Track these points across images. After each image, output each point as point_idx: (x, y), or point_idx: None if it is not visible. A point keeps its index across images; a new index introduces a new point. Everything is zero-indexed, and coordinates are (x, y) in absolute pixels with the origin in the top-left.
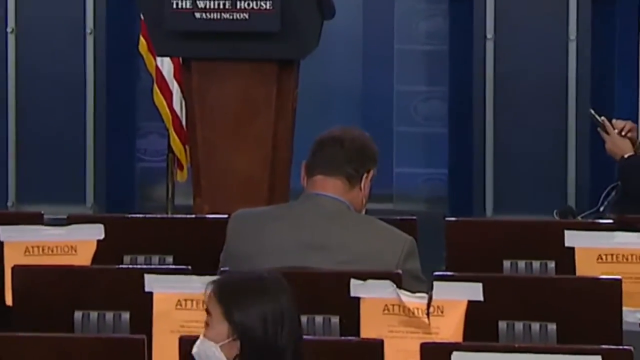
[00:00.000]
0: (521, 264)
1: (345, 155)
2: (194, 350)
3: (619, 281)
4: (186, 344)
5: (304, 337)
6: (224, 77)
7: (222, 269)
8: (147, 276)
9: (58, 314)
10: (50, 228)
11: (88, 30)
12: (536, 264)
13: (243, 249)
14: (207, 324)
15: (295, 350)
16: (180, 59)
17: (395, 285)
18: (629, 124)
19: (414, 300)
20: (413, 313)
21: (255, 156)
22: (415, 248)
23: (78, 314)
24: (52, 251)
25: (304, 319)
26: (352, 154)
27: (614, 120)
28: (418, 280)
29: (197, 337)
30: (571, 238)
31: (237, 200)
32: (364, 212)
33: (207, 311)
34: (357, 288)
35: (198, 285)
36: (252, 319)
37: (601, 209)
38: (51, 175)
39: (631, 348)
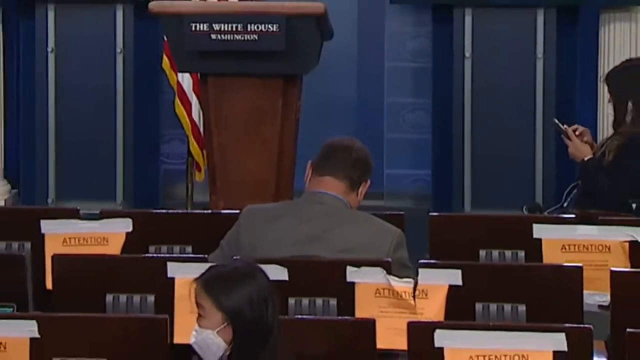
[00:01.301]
0: (495, 253)
1: (353, 163)
2: (192, 340)
3: (580, 268)
4: None
5: (307, 317)
6: (236, 90)
7: (233, 256)
8: (169, 264)
9: (92, 297)
10: (85, 222)
11: (118, 50)
12: (508, 253)
13: (252, 240)
14: (200, 316)
15: (278, 324)
16: (199, 74)
17: (385, 272)
18: (581, 128)
19: (402, 285)
20: (401, 296)
21: (263, 159)
22: (404, 239)
23: (109, 297)
24: (87, 242)
25: (305, 301)
26: (358, 163)
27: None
28: (405, 268)
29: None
30: (539, 230)
31: (248, 197)
32: None
33: (198, 304)
34: (352, 274)
35: None
36: (240, 302)
37: (565, 204)
38: (86, 175)
39: (591, 326)
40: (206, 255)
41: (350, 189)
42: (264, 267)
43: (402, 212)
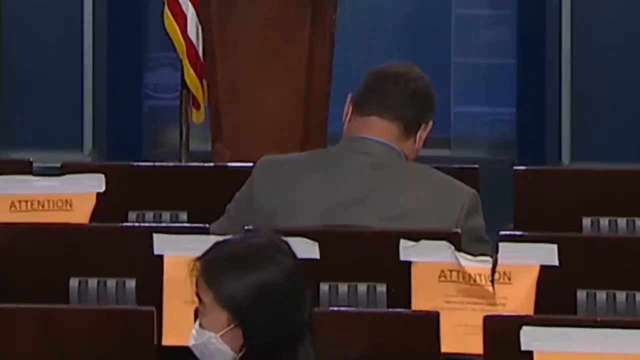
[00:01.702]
0: (604, 221)
1: (408, 98)
2: (191, 342)
3: None
4: None
5: (345, 310)
6: None
7: (245, 226)
8: (156, 236)
9: (50, 282)
10: (41, 179)
11: None
12: (622, 222)
13: (270, 203)
14: (200, 312)
15: (311, 326)
16: None
17: (453, 247)
18: None
19: (476, 265)
20: (475, 280)
21: (287, 92)
22: (479, 202)
23: (74, 281)
24: (43, 206)
25: (343, 287)
26: (416, 98)
27: None
28: (481, 241)
29: None
30: None
31: (265, 145)
32: None
33: (198, 296)
34: (407, 250)
35: None
36: (253, 299)
37: None
38: (41, 115)
39: None
40: (207, 225)
41: (405, 133)
42: (287, 240)
43: (476, 166)
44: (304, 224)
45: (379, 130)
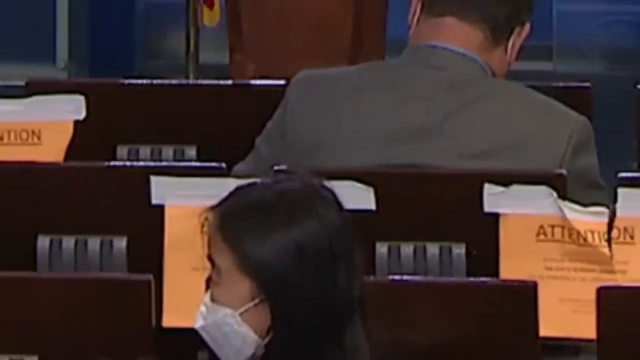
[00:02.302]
0: None
1: None
2: (199, 322)
3: None
4: None
5: (412, 279)
6: None
7: (275, 166)
8: (154, 179)
9: (10, 240)
10: (2, 102)
11: None
12: None
13: (309, 136)
14: (213, 281)
15: (361, 301)
16: None
17: (556, 194)
18: None
19: (588, 219)
20: (585, 239)
21: None
22: (591, 134)
23: (43, 240)
24: (2, 139)
25: (407, 248)
26: None
27: None
28: (594, 187)
29: None
30: None
31: (300, 56)
32: None
33: (211, 260)
34: (494, 198)
35: None
36: (285, 264)
37: None
38: (2, 18)
39: None
40: (222, 164)
41: (493, 40)
42: (331, 184)
43: (587, 84)
44: (355, 162)
45: (457, 36)
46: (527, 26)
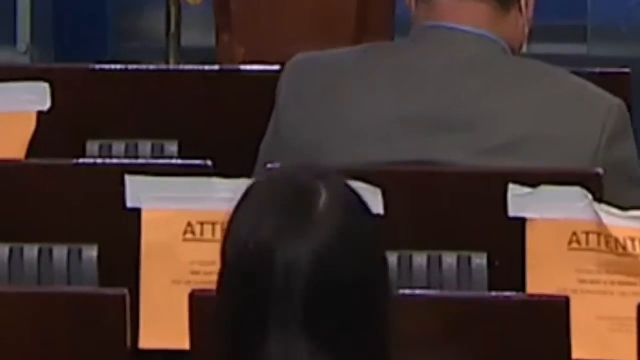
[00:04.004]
0: None
1: None
2: None
3: None
4: (202, 303)
5: (427, 293)
6: None
7: (268, 164)
8: (129, 179)
9: None
10: None
11: None
12: None
13: (305, 129)
14: None
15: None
16: None
17: (591, 196)
18: None
19: (627, 224)
20: (625, 248)
21: None
22: (628, 118)
23: (2, 249)
24: None
25: (420, 258)
26: None
27: None
28: (634, 184)
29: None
30: None
31: (298, 38)
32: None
33: None
34: (520, 201)
35: (225, 196)
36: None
37: None
38: None
39: None
40: (208, 162)
41: (502, 10)
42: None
43: (626, 70)
44: (357, 159)
45: (464, 14)
46: None
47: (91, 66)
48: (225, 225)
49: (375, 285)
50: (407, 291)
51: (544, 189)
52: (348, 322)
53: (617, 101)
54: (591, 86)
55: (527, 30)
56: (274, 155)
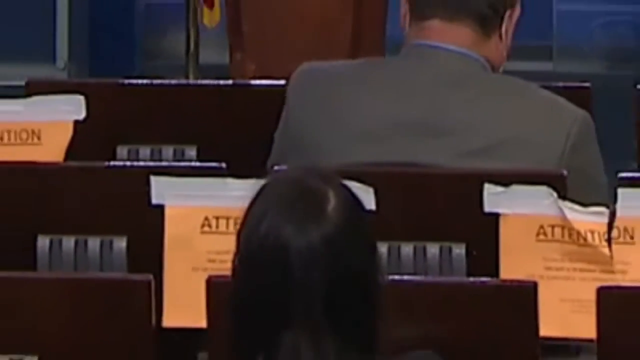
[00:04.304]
0: None
1: None
2: None
3: None
4: (218, 288)
5: (412, 279)
6: None
7: (275, 166)
8: (154, 179)
9: (10, 240)
10: (0, 101)
11: None
12: None
13: (309, 131)
14: None
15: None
16: None
17: (556, 194)
18: None
19: (588, 219)
20: (585, 239)
21: None
22: (591, 128)
23: (43, 241)
24: (2, 139)
25: (408, 249)
26: None
27: None
28: (594, 185)
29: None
30: None
31: (301, 56)
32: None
33: None
34: (494, 198)
35: (238, 194)
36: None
37: None
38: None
39: None
40: (223, 165)
41: (484, 34)
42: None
43: (587, 84)
44: (351, 160)
45: (449, 36)
46: (518, 7)
47: (121, 81)
48: (240, 220)
49: (374, 273)
50: (396, 277)
51: (515, 188)
52: (357, 307)
53: (581, 113)
54: (560, 99)
55: (505, 54)
56: (282, 149)
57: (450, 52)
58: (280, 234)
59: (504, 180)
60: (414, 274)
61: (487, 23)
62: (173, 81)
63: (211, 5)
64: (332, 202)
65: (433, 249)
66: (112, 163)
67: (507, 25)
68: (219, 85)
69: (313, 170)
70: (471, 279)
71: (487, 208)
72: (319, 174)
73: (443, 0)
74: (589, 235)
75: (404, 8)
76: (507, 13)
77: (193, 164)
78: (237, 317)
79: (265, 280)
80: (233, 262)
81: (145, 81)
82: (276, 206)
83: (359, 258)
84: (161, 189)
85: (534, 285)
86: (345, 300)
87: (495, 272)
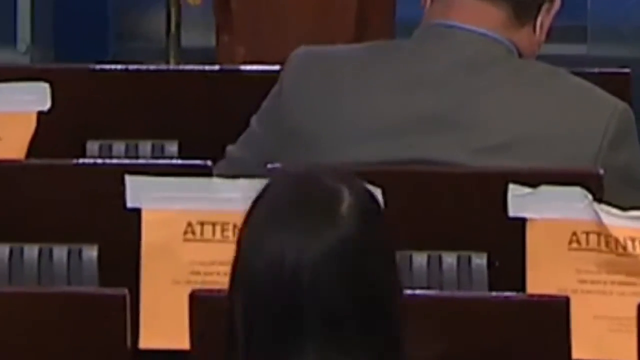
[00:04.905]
0: None
1: None
2: None
3: None
4: (202, 304)
5: (421, 293)
6: None
7: (269, 165)
8: (130, 179)
9: None
10: None
11: None
12: None
13: (308, 124)
14: None
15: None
16: None
17: (591, 196)
18: None
19: (627, 225)
20: (624, 248)
21: None
22: (632, 123)
23: (2, 250)
24: None
25: (421, 259)
26: None
27: None
28: (635, 186)
29: (221, 291)
30: None
31: (298, 37)
32: None
33: None
34: (519, 201)
35: (227, 196)
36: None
37: None
38: None
39: None
40: (208, 162)
41: (517, 19)
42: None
43: (626, 70)
44: (357, 157)
45: (478, 15)
46: (557, 1)
47: (91, 66)
48: (239, 228)
49: (393, 289)
50: (408, 291)
51: (544, 189)
52: (372, 324)
53: (621, 105)
54: (596, 88)
55: (536, 49)
56: (272, 142)
57: (471, 33)
58: (287, 245)
59: (531, 180)
60: (428, 287)
61: (523, 10)
62: (151, 66)
63: None
64: (346, 209)
65: (449, 259)
66: (81, 160)
67: (544, 18)
68: (203, 71)
69: (329, 169)
70: (494, 293)
71: (512, 212)
72: (337, 175)
73: None
74: (629, 244)
75: None
76: (546, 5)
77: (174, 161)
78: (236, 341)
79: (274, 298)
80: (232, 274)
81: (119, 66)
82: (280, 213)
83: (379, 269)
84: (138, 190)
85: (566, 301)
86: (365, 316)
87: (521, 285)
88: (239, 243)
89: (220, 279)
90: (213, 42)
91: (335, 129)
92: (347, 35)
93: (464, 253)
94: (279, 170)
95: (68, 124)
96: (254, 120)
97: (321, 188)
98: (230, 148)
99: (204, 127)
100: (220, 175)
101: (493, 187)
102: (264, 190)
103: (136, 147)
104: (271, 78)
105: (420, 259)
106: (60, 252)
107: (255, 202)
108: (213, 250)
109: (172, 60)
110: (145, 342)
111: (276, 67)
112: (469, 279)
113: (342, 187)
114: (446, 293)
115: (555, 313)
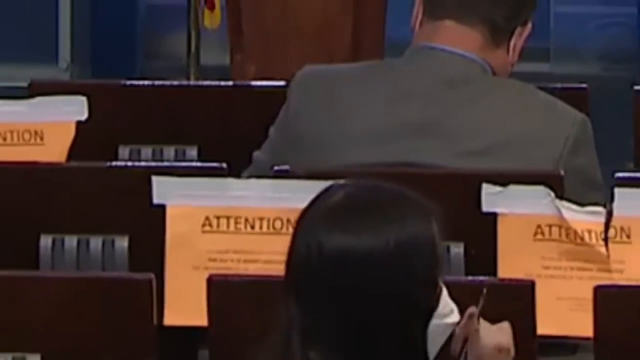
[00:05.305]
0: None
1: None
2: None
3: None
4: (218, 287)
5: None
6: None
7: (277, 166)
8: (156, 179)
9: (13, 240)
10: (1, 102)
11: None
12: None
13: (311, 132)
14: None
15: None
16: None
17: (554, 194)
18: None
19: (584, 218)
20: (582, 238)
21: None
22: (589, 132)
23: (45, 240)
24: (5, 139)
25: None
26: None
27: None
28: (591, 186)
29: (235, 276)
30: None
31: (301, 57)
32: None
33: None
34: (492, 198)
35: (238, 194)
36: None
37: None
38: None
39: None
40: (223, 165)
41: (493, 42)
42: (323, 184)
43: (583, 85)
44: (352, 160)
45: (457, 38)
46: (529, 26)
47: (122, 82)
48: (296, 220)
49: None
50: None
51: (513, 188)
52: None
53: (580, 116)
54: (559, 102)
55: (508, 69)
56: (280, 148)
57: (452, 55)
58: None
59: (502, 180)
60: None
61: (498, 33)
62: (174, 82)
63: (212, 7)
64: (399, 216)
65: None
66: (114, 163)
67: (516, 41)
68: (219, 87)
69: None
70: (469, 277)
71: (485, 208)
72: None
73: (459, 3)
74: (586, 235)
75: (418, 9)
76: (519, 29)
77: (194, 164)
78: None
79: (330, 297)
80: (288, 263)
81: (146, 82)
82: (341, 214)
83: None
84: (163, 188)
85: (532, 284)
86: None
87: (493, 271)
88: (293, 242)
89: (233, 265)
90: (228, 61)
91: (335, 135)
92: (343, 55)
93: (444, 243)
94: (280, 171)
95: (102, 132)
96: (271, 129)
97: (383, 191)
98: (255, 153)
99: (220, 134)
100: (249, 177)
101: (469, 186)
102: (328, 189)
103: (161, 151)
104: (278, 92)
105: None
106: (95, 242)
107: (318, 199)
108: (227, 241)
109: (192, 77)
110: (169, 319)
111: (282, 83)
112: (448, 265)
113: (403, 190)
114: None
115: (522, 295)
